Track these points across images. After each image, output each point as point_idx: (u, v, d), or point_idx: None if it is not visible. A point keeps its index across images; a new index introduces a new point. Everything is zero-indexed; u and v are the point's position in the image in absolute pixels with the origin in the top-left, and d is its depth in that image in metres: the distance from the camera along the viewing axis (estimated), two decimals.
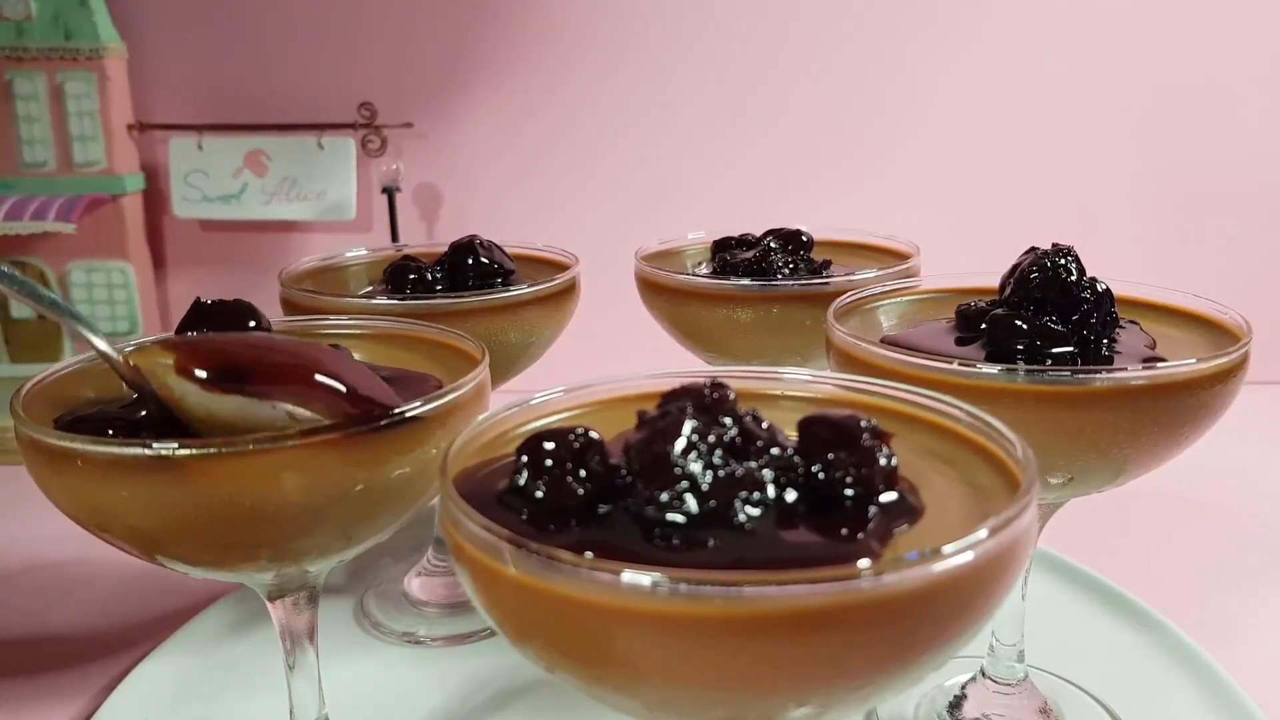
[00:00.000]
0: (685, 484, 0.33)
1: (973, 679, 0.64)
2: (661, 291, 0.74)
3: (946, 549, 0.30)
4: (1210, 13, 1.13)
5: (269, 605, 0.52)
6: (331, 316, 0.61)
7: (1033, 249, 0.56)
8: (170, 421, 0.46)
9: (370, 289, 0.76)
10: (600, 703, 0.35)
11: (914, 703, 0.65)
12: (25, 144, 1.09)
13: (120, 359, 0.47)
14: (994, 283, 0.58)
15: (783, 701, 0.32)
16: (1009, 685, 0.63)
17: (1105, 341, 0.54)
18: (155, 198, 1.20)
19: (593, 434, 0.36)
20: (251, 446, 0.40)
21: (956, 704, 0.64)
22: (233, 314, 0.49)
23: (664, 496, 0.33)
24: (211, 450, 0.40)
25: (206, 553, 0.45)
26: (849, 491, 0.35)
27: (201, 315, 0.49)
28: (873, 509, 0.35)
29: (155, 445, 0.40)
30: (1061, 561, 0.78)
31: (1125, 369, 0.47)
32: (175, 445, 0.40)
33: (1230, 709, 0.61)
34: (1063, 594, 0.76)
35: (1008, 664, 0.63)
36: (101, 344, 0.47)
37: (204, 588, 0.78)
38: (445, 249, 0.73)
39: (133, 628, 0.75)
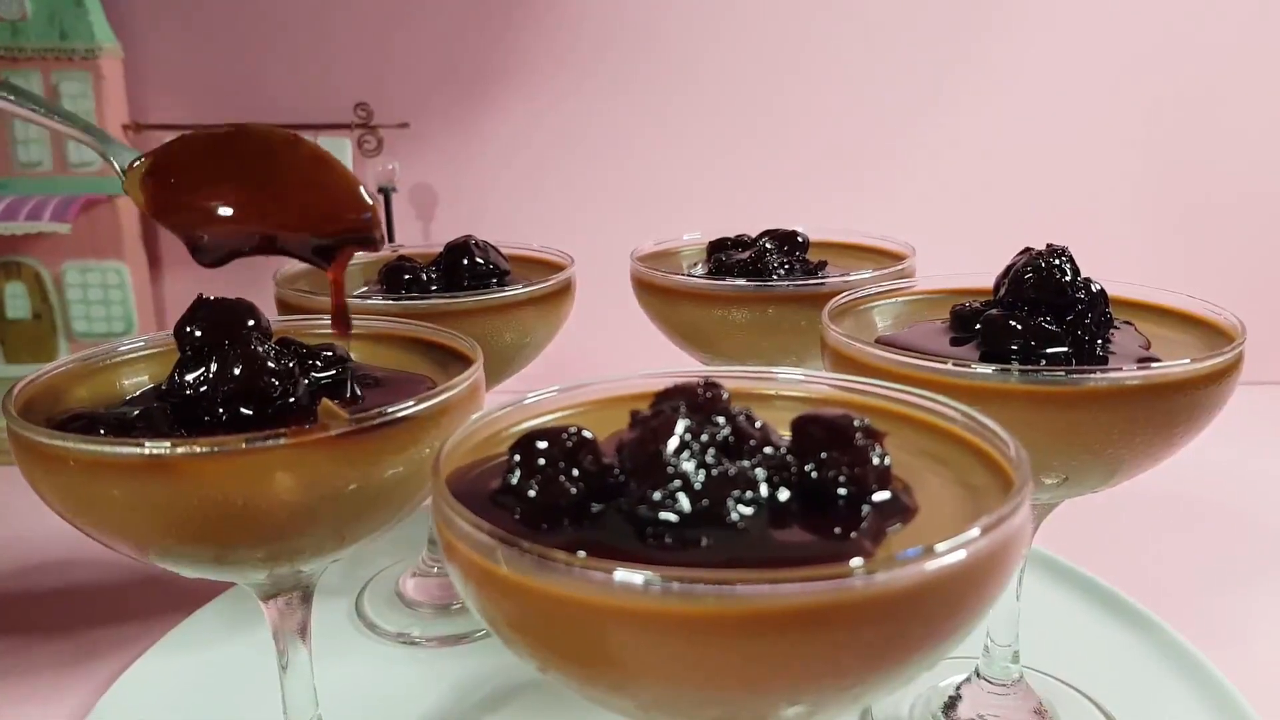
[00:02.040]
0: (678, 483, 0.33)
1: (967, 679, 0.64)
2: (657, 292, 0.74)
3: (939, 548, 0.30)
4: (1206, 16, 1.14)
5: (262, 605, 0.52)
6: (326, 316, 0.61)
7: (1027, 249, 0.57)
8: (164, 421, 0.46)
9: (365, 289, 0.76)
10: (593, 702, 0.35)
11: (909, 703, 0.65)
12: (20, 144, 1.09)
13: (118, 168, 0.55)
14: (989, 283, 0.58)
15: (775, 700, 0.32)
16: (1004, 686, 0.63)
17: (1099, 342, 0.54)
18: None
19: (586, 433, 0.36)
20: (244, 446, 0.40)
21: (951, 704, 0.64)
22: (233, 311, 0.49)
23: (657, 495, 0.33)
24: (204, 450, 0.40)
25: (199, 552, 0.45)
26: (842, 490, 0.35)
27: (202, 310, 0.49)
28: (865, 508, 0.35)
29: (148, 445, 0.40)
30: (1056, 562, 0.79)
31: (1119, 369, 0.48)
32: (168, 445, 0.40)
33: (1225, 709, 0.61)
34: (1058, 594, 0.76)
35: (1002, 664, 0.63)
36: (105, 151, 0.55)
37: (198, 587, 0.77)
38: (440, 249, 0.73)
39: (127, 627, 0.75)
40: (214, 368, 0.45)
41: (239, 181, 0.56)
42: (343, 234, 0.56)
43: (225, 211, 0.55)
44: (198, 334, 0.47)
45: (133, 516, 0.42)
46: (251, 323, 0.49)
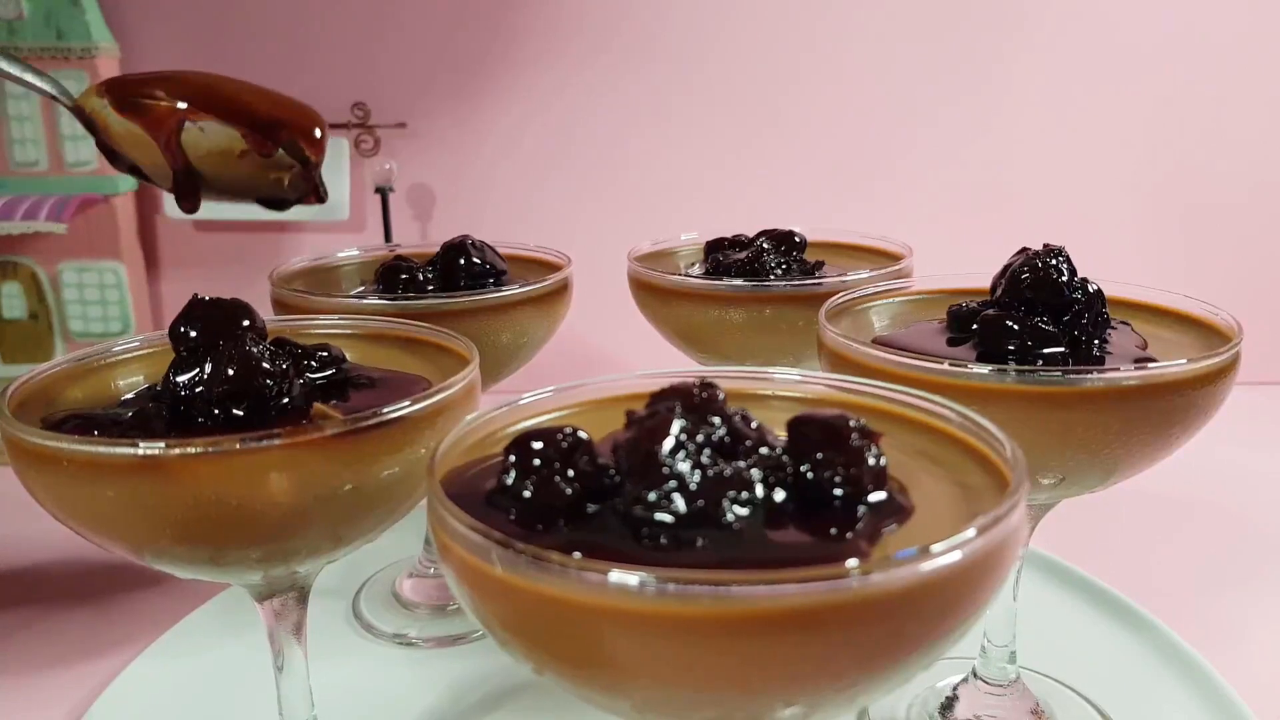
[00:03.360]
0: (673, 483, 0.33)
1: (964, 680, 0.64)
2: (654, 292, 0.74)
3: (934, 548, 0.30)
4: (1203, 17, 1.14)
5: (258, 606, 0.52)
6: (322, 316, 0.61)
7: (1024, 249, 0.57)
8: (158, 421, 0.46)
9: (362, 289, 0.76)
10: (589, 704, 0.35)
11: (906, 703, 0.64)
12: (16, 143, 1.09)
13: (70, 99, 0.58)
14: (986, 284, 0.58)
15: (771, 701, 0.32)
16: (1001, 686, 0.63)
17: (1096, 342, 0.53)
18: (147, 197, 1.20)
19: (581, 433, 0.36)
20: (239, 447, 0.40)
21: (948, 705, 0.64)
22: (228, 311, 0.49)
23: (652, 496, 0.33)
24: (198, 450, 0.40)
25: (194, 553, 0.44)
26: (837, 491, 0.35)
27: (197, 311, 0.48)
28: (861, 508, 0.35)
29: (142, 445, 0.40)
30: (1053, 562, 0.79)
31: (1116, 369, 0.47)
32: (162, 445, 0.40)
33: (1222, 710, 0.61)
34: (1055, 595, 0.76)
35: (999, 665, 0.63)
36: (47, 87, 0.58)
37: (194, 588, 0.77)
38: (437, 249, 0.73)
39: (122, 628, 0.75)
40: (208, 368, 0.45)
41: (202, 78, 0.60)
42: (285, 121, 0.57)
43: (183, 90, 0.59)
44: (192, 334, 0.47)
45: (127, 517, 0.42)
46: (246, 323, 0.49)
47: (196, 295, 0.50)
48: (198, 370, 0.46)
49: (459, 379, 0.47)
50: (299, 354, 0.51)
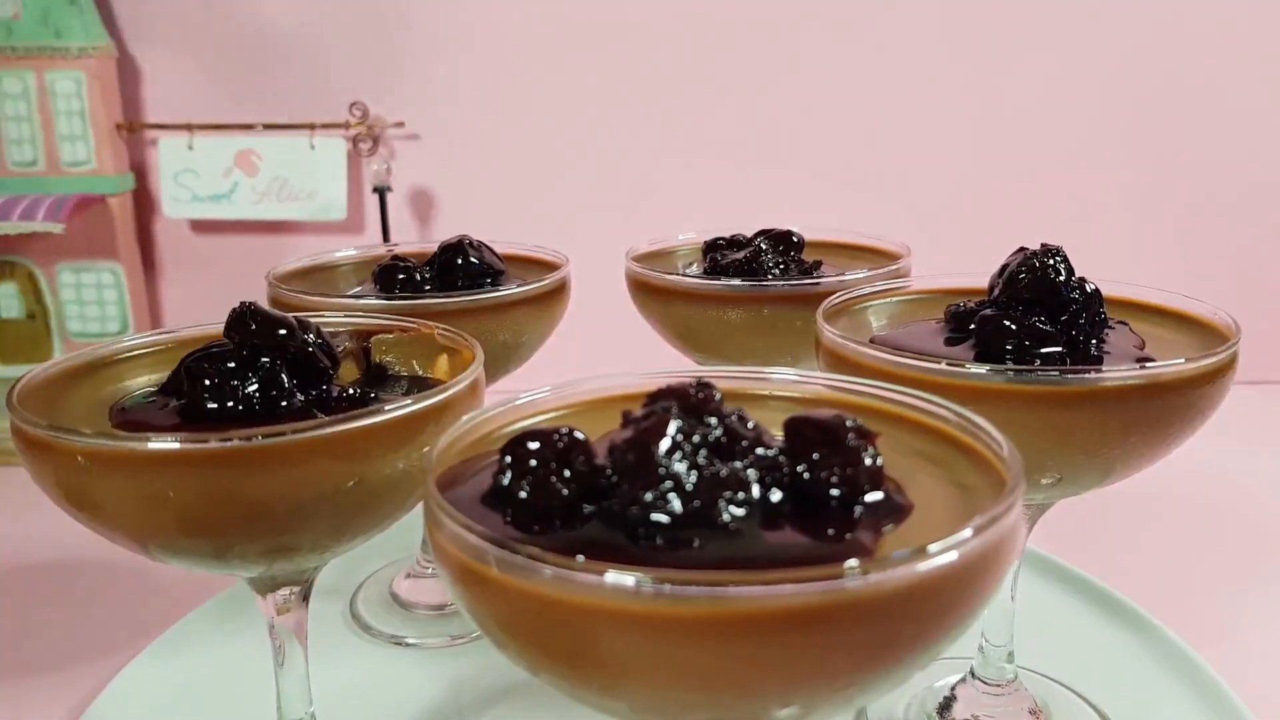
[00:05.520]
0: (669, 484, 0.33)
1: (962, 680, 0.64)
2: (652, 292, 0.74)
3: (931, 548, 0.30)
4: (1201, 15, 1.14)
5: (260, 601, 0.52)
6: (319, 316, 0.61)
7: (1022, 249, 0.56)
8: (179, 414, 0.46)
9: (359, 289, 0.76)
10: (585, 704, 0.35)
11: (904, 704, 0.64)
12: (13, 143, 1.09)
13: None
14: (984, 283, 0.58)
15: (768, 702, 0.32)
16: (998, 686, 0.63)
17: (1094, 342, 0.53)
18: (145, 198, 1.20)
19: (577, 434, 0.36)
20: (250, 441, 0.40)
21: (946, 705, 0.64)
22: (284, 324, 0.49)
23: (648, 497, 0.33)
24: (203, 446, 0.40)
25: (199, 546, 0.45)
26: (834, 491, 0.35)
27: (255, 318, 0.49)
28: (858, 509, 0.35)
29: (152, 440, 0.40)
30: (1051, 562, 0.79)
31: (1114, 369, 0.47)
32: (171, 440, 0.40)
33: (1220, 709, 0.61)
34: (1052, 595, 0.76)
35: (997, 665, 0.63)
36: None
37: (193, 588, 0.77)
38: (435, 249, 0.73)
39: (121, 628, 0.75)
40: (234, 365, 0.46)
41: None
42: None
43: None
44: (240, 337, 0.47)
45: (134, 510, 0.43)
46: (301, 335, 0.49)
47: (249, 304, 0.49)
48: (223, 365, 0.46)
49: (464, 377, 0.47)
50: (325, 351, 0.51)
